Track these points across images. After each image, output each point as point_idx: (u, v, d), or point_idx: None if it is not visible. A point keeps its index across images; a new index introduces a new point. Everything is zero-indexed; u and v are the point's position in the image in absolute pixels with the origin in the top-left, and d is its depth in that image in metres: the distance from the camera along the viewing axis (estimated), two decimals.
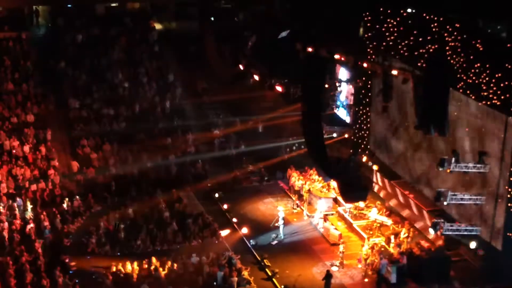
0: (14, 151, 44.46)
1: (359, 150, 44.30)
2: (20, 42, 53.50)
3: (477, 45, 31.91)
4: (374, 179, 42.96)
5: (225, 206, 42.11)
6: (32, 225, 38.36)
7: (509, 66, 30.34)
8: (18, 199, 40.60)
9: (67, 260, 35.36)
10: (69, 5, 56.50)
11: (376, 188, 42.62)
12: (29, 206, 40.24)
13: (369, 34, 40.67)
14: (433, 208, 37.02)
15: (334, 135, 47.22)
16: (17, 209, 39.91)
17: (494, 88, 31.14)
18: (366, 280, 34.89)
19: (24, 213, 39.67)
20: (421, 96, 33.69)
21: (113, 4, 58.56)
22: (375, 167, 42.86)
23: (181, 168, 45.99)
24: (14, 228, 37.99)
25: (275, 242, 38.45)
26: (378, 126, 43.45)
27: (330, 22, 39.36)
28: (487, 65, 31.45)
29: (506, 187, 32.08)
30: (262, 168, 46.39)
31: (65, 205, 40.72)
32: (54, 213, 39.76)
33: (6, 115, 47.20)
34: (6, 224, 38.08)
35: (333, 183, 41.10)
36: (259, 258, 36.68)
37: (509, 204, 32.09)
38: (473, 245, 34.22)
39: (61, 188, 42.33)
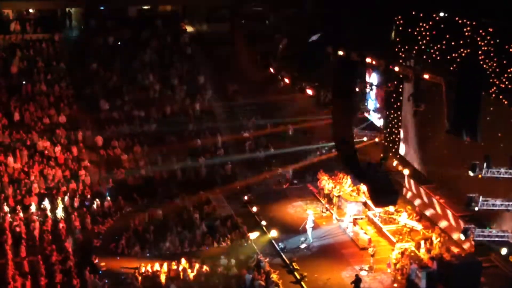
0: (46, 151, 44.85)
1: (390, 154, 44.07)
2: (53, 43, 54.04)
3: (511, 49, 31.58)
4: (405, 184, 42.75)
5: (254, 209, 42.12)
6: (62, 225, 38.68)
7: None
8: (48, 199, 40.98)
9: (96, 261, 35.58)
10: (101, 8, 56.93)
11: (406, 193, 42.40)
12: (60, 206, 40.56)
13: (401, 37, 40.43)
14: (464, 213, 36.72)
15: (365, 139, 47.03)
16: (48, 209, 40.27)
17: None
18: (395, 285, 34.67)
19: (55, 213, 39.99)
20: (453, 100, 33.39)
21: (145, 7, 58.91)
22: (405, 172, 42.63)
23: (210, 170, 46.12)
24: (45, 228, 38.33)
25: (304, 245, 38.36)
26: (409, 130, 43.20)
27: (362, 25, 39.18)
28: None
29: None
30: (289, 173, 46.19)
31: (95, 206, 41.03)
32: (85, 213, 40.09)
33: (38, 115, 47.67)
34: (37, 224, 38.47)
35: (363, 187, 40.94)
36: (287, 262, 36.64)
37: None
38: (504, 251, 33.87)
39: (91, 189, 42.72)
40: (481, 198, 32.77)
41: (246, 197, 43.30)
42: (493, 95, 32.87)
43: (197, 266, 34.63)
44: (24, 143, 45.09)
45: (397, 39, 40.81)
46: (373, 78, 46.63)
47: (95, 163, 45.42)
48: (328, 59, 40.74)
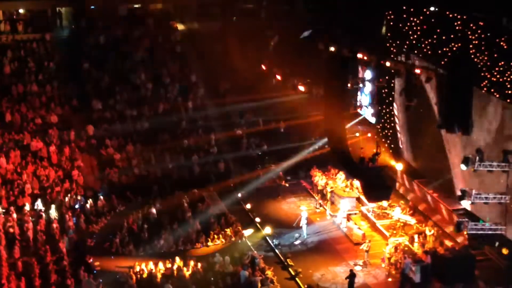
0: (38, 152, 44.74)
1: (383, 150, 44.06)
2: (44, 43, 53.93)
3: (501, 43, 31.63)
4: (398, 178, 42.79)
5: (248, 206, 42.13)
6: (56, 225, 38.60)
7: None
8: (41, 199, 40.91)
9: (91, 260, 35.52)
10: (92, 7, 56.81)
11: (400, 187, 42.47)
12: (53, 207, 40.48)
13: (392, 33, 40.45)
14: (457, 207, 36.80)
15: (357, 134, 47.03)
16: (41, 209, 40.18)
17: None
18: (389, 279, 34.76)
19: (49, 214, 39.92)
20: (445, 95, 33.46)
21: (136, 5, 58.83)
22: (398, 166, 42.67)
23: (203, 168, 46.09)
24: (39, 229, 38.26)
25: (298, 241, 38.44)
26: (401, 125, 43.24)
27: (353, 21, 39.20)
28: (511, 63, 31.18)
29: None
30: (281, 172, 46.10)
31: (88, 205, 40.97)
32: (78, 213, 40.02)
33: (30, 116, 47.56)
34: (30, 224, 38.39)
35: (356, 183, 41.01)
36: (282, 258, 36.69)
37: None
38: (497, 244, 33.97)
39: (85, 188, 42.65)
40: (473, 192, 32.88)
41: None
42: (485, 89, 32.94)
43: (191, 264, 34.64)
44: (16, 143, 45.00)
45: (388, 34, 40.82)
46: (366, 73, 46.58)
47: (88, 162, 45.33)
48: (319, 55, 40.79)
